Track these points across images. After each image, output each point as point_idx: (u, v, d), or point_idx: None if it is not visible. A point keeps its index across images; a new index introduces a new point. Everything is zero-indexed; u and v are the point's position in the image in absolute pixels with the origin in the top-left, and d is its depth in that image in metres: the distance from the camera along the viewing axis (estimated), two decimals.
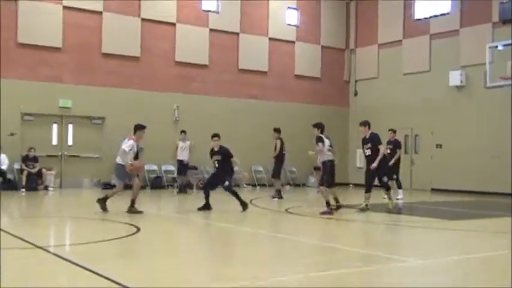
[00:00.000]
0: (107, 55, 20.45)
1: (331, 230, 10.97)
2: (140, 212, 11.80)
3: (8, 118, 18.26)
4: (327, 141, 12.30)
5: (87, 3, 19.99)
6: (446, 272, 6.81)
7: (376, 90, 24.57)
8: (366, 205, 12.91)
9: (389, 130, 16.83)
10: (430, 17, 22.73)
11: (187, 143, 19.03)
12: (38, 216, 12.65)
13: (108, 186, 19.75)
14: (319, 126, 12.58)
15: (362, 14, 25.58)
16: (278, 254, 8.04)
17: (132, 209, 11.85)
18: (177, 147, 19.00)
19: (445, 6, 22.26)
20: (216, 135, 13.34)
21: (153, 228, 10.37)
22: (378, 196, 14.82)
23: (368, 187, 13.04)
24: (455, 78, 21.31)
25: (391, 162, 16.04)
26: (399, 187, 16.96)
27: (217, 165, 13.22)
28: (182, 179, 19.14)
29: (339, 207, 12.50)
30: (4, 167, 18.04)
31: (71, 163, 19.79)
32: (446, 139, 21.76)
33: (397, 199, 16.38)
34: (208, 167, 21.83)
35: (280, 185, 17.54)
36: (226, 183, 12.99)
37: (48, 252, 7.40)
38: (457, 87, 21.43)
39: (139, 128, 12.30)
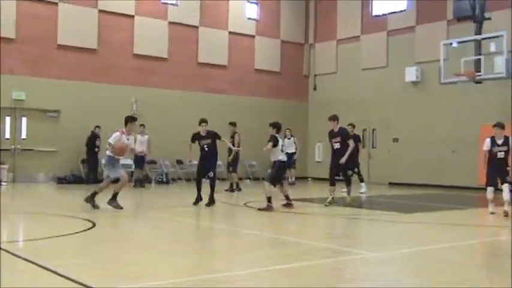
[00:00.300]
0: (62, 47, 20.05)
1: (290, 223, 11.03)
2: (120, 208, 11.52)
3: None
4: (280, 142, 12.27)
5: None
6: (400, 264, 6.94)
7: (335, 85, 24.80)
8: (333, 198, 13.03)
9: (349, 125, 16.95)
10: (387, 14, 23.06)
11: (146, 136, 18.81)
12: None
13: (63, 180, 19.46)
14: (275, 125, 12.45)
15: (321, 9, 25.75)
16: (236, 248, 8.05)
17: (112, 202, 11.61)
18: (134, 141, 18.71)
19: (402, 4, 22.61)
20: (204, 121, 13.37)
21: (109, 224, 10.25)
22: (337, 190, 14.93)
23: (332, 181, 13.12)
24: (411, 74, 21.70)
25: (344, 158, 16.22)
26: (361, 181, 17.20)
27: (206, 149, 13.22)
28: (139, 173, 18.93)
29: (289, 204, 12.51)
30: None
31: (25, 157, 19.36)
32: (402, 133, 22.15)
33: (361, 193, 16.61)
34: (167, 161, 21.77)
35: (237, 178, 17.63)
36: (211, 173, 13.08)
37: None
38: (413, 82, 21.82)
39: (130, 120, 12.05)
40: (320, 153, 24.15)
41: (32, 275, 5.77)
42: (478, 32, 18.27)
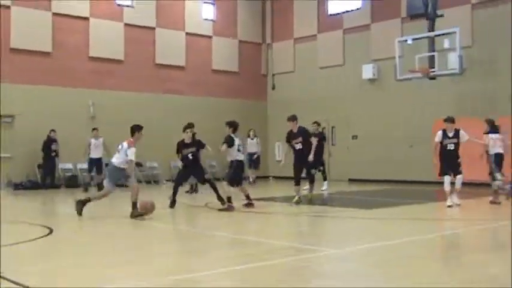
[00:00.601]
0: (15, 50, 19.61)
1: (251, 223, 11.04)
2: (142, 215, 10.88)
3: None
4: (236, 141, 12.19)
5: None
6: (362, 260, 7.01)
7: (293, 84, 24.93)
8: (299, 197, 13.05)
9: (314, 123, 17.04)
10: (343, 12, 23.29)
11: (100, 139, 18.41)
12: None
13: (20, 186, 19.04)
14: (231, 125, 12.32)
15: (278, 8, 25.86)
16: (197, 249, 8.00)
17: (135, 213, 10.91)
18: (89, 145, 18.36)
19: (357, 2, 22.88)
20: (189, 126, 13.16)
21: (68, 229, 10.07)
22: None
23: (297, 180, 13.16)
24: (367, 71, 21.99)
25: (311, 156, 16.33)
26: (325, 179, 17.35)
27: (191, 157, 13.01)
28: (98, 178, 18.41)
29: (250, 204, 12.51)
30: None
31: None
32: (361, 130, 22.42)
33: (322, 190, 16.74)
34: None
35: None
36: (207, 176, 13.32)
37: None
38: (370, 80, 22.11)
39: (137, 128, 11.39)
40: (280, 152, 24.22)
41: None
42: (431, 29, 18.61)
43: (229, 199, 12.01)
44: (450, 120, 12.68)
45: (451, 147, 12.55)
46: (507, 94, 18.49)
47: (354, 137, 22.66)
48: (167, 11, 23.18)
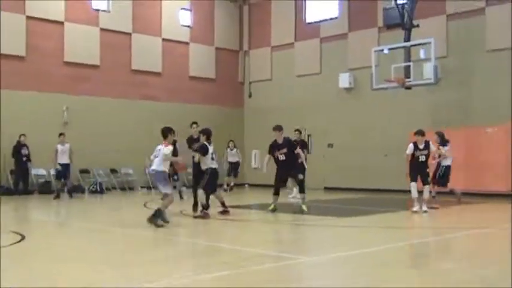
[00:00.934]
0: None
1: (226, 230, 10.96)
2: (167, 222, 10.64)
3: None
4: (210, 149, 12.07)
5: None
6: (337, 267, 7.00)
7: (270, 92, 24.95)
8: (275, 206, 13.02)
9: (296, 130, 17.03)
10: (320, 21, 23.42)
11: (67, 145, 17.83)
12: None
13: None
14: (205, 132, 12.19)
15: (255, 16, 25.89)
16: (172, 256, 7.91)
17: (155, 221, 10.48)
18: (56, 151, 17.94)
19: (334, 11, 23.02)
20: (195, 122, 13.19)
21: (40, 236, 9.89)
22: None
23: (277, 189, 13.11)
24: (344, 80, 22.10)
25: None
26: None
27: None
28: (62, 184, 17.95)
29: (226, 211, 12.43)
30: None
31: None
32: (337, 139, 22.50)
33: (290, 197, 16.72)
34: (101, 170, 21.30)
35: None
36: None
37: None
38: (346, 89, 22.22)
39: (169, 131, 11.00)
40: (256, 159, 24.18)
41: None
42: (407, 39, 18.79)
43: (203, 207, 11.93)
44: (420, 133, 13.26)
45: (422, 158, 13.15)
46: (481, 104, 18.74)
47: (330, 145, 22.73)
48: (144, 17, 23.06)
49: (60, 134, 17.93)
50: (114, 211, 15.13)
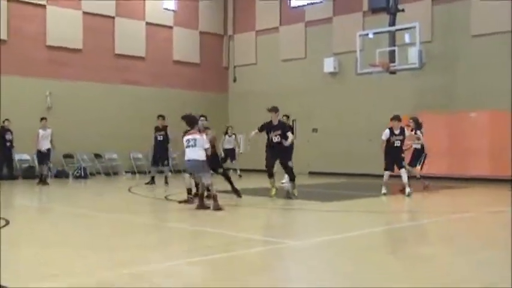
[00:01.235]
0: None
1: (211, 215, 10.92)
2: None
3: None
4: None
5: None
6: (321, 251, 7.02)
7: (255, 76, 24.88)
8: (276, 189, 12.88)
9: (284, 116, 17.03)
10: (305, 5, 23.32)
11: (49, 130, 17.34)
12: None
13: None
14: (184, 118, 12.21)
15: (240, 0, 25.72)
16: (157, 241, 7.89)
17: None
18: (38, 136, 17.31)
19: None
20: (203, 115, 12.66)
21: (24, 221, 9.81)
22: (262, 181, 14.99)
23: (271, 173, 12.89)
24: (329, 64, 22.09)
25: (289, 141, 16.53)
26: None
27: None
28: (44, 169, 17.50)
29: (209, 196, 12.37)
30: None
31: None
32: (322, 123, 22.52)
33: (282, 183, 16.73)
34: (85, 155, 21.18)
35: (156, 171, 17.46)
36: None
37: None
38: (331, 73, 22.22)
39: (196, 120, 11.05)
40: (241, 144, 24.13)
41: None
42: (392, 23, 18.80)
43: (189, 191, 11.91)
44: (397, 118, 13.63)
45: (397, 143, 13.46)
46: (465, 89, 18.84)
47: (315, 130, 22.75)
48: (127, 0, 22.79)
49: (42, 119, 17.48)
50: (98, 196, 15.06)
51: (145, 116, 21.62)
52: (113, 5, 22.36)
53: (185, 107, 21.81)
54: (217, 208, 10.56)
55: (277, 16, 24.21)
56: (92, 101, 21.49)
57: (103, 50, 22.18)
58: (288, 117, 17.30)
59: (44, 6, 20.63)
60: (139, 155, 22.64)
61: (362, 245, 7.39)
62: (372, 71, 19.10)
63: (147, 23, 23.44)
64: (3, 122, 18.68)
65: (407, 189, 13.23)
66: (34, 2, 20.40)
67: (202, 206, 10.79)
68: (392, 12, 18.78)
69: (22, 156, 19.77)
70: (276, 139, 12.80)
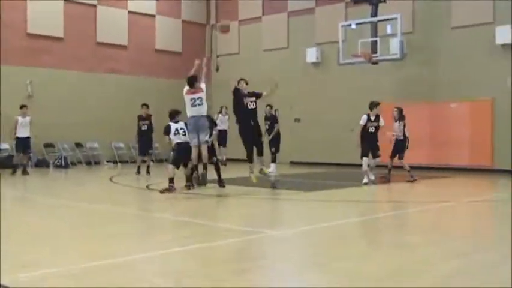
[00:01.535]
0: None
1: (192, 205, 10.96)
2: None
3: None
4: (173, 127, 12.04)
5: None
6: (299, 241, 7.08)
7: (237, 66, 24.77)
8: (257, 173, 12.52)
9: (267, 106, 17.13)
10: None
11: (28, 118, 17.07)
12: None
13: None
14: (169, 114, 12.30)
15: None
16: (137, 231, 7.90)
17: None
18: (16, 123, 16.97)
19: None
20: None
21: (2, 211, 9.74)
22: (244, 170, 15.01)
23: (250, 157, 12.54)
24: (311, 55, 22.11)
25: (270, 137, 16.82)
26: (273, 160, 17.22)
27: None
28: (24, 159, 17.34)
29: (189, 186, 12.35)
30: None
31: None
32: (304, 113, 22.58)
33: (269, 172, 16.74)
34: (66, 144, 21.04)
35: (141, 161, 17.42)
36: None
37: None
38: (313, 63, 22.26)
39: (196, 79, 11.97)
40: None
41: None
42: (374, 14, 18.86)
43: (171, 180, 11.91)
44: (373, 105, 14.00)
45: (372, 130, 13.86)
46: (446, 80, 18.98)
47: (297, 120, 22.80)
48: None
49: (22, 106, 17.24)
50: (79, 186, 14.99)
51: (126, 104, 21.57)
52: None
53: (167, 95, 21.85)
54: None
55: (260, 6, 24.17)
56: (73, 90, 21.34)
57: (84, 38, 22.00)
58: (271, 107, 17.34)
59: None
60: (121, 144, 22.55)
61: (343, 234, 7.47)
62: (354, 62, 19.18)
63: (130, 12, 23.29)
64: None
65: (365, 179, 13.61)
66: None
67: (192, 186, 11.37)
68: (374, 3, 18.84)
69: (1, 145, 19.59)
70: (251, 105, 12.34)
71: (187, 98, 11.38)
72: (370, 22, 18.94)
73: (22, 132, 16.95)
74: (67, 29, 21.47)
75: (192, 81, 11.55)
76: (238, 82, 12.60)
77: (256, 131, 12.46)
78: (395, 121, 14.65)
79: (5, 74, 19.68)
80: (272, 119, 17.24)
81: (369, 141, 13.82)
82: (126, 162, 22.19)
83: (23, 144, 17.04)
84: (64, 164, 19.97)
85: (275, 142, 17.07)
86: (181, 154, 12.25)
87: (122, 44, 23.11)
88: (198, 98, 11.18)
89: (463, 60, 18.61)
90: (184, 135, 12.17)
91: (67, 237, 7.25)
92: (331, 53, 20.75)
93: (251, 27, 24.45)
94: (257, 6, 24.23)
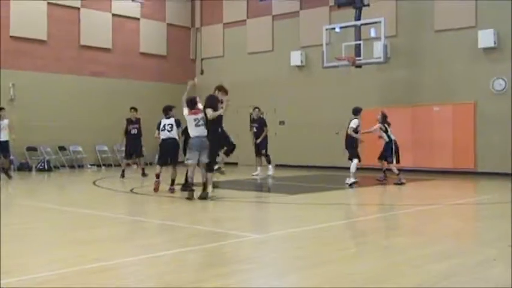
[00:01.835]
0: None
1: (176, 209, 10.92)
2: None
3: None
4: (162, 122, 12.79)
5: None
6: (281, 245, 7.07)
7: (222, 69, 24.78)
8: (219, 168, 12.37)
9: (255, 108, 17.21)
10: None
11: (6, 121, 16.52)
12: None
13: None
14: (163, 110, 13.05)
15: None
16: (120, 235, 7.85)
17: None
18: None
19: None
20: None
21: None
22: (229, 174, 14.96)
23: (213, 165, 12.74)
24: (296, 58, 22.16)
25: (259, 140, 17.02)
26: (269, 162, 17.38)
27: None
28: (4, 162, 16.70)
29: (173, 189, 12.35)
30: None
31: None
32: (289, 116, 22.60)
33: (254, 174, 16.91)
34: (49, 147, 20.88)
35: (126, 164, 17.37)
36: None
37: None
38: (298, 66, 22.31)
39: (196, 101, 11.89)
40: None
41: None
42: (358, 18, 18.95)
43: (157, 175, 12.17)
44: (359, 110, 14.41)
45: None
46: (429, 83, 19.11)
47: (282, 122, 22.81)
48: None
49: (0, 109, 16.67)
50: (62, 189, 14.88)
51: (111, 108, 21.49)
52: None
53: (152, 99, 21.80)
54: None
55: (244, 9, 24.18)
56: (56, 93, 21.19)
57: (68, 41, 21.87)
58: (259, 109, 17.49)
59: None
60: (105, 148, 22.43)
61: (329, 237, 7.48)
62: (338, 65, 19.24)
63: (114, 15, 23.18)
64: None
65: (351, 179, 13.83)
66: None
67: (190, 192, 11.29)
68: (358, 7, 18.94)
69: None
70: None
71: (189, 118, 11.42)
72: (354, 26, 19.03)
73: (0, 136, 16.31)
74: (51, 32, 21.32)
75: (193, 104, 11.63)
76: (215, 90, 12.48)
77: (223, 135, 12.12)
78: (378, 123, 14.76)
79: None
80: (260, 122, 17.31)
81: (356, 145, 14.28)
82: (110, 165, 22.06)
83: (1, 148, 16.35)
84: (47, 168, 19.81)
85: (264, 145, 17.14)
86: (164, 151, 12.55)
87: (106, 47, 23.00)
88: (202, 118, 11.31)
89: (446, 64, 18.76)
90: (170, 131, 12.42)
91: (48, 241, 7.18)
92: (316, 56, 20.82)
93: (236, 30, 24.45)
94: (242, 9, 24.24)
